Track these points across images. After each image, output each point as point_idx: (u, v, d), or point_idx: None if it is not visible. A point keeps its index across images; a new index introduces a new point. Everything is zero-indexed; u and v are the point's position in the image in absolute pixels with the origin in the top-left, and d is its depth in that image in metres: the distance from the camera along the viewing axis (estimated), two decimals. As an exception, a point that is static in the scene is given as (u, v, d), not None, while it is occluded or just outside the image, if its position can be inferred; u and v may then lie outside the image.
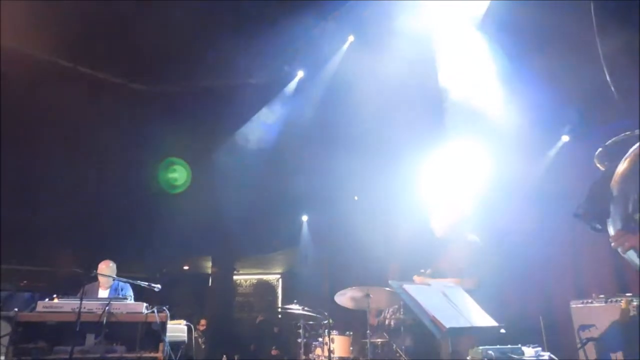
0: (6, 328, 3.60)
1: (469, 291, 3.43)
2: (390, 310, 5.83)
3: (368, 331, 4.79)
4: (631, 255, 1.77)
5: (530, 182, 6.42)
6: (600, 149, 2.30)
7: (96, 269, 5.13)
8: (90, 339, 3.76)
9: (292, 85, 7.59)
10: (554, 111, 6.22)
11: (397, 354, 5.11)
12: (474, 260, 3.57)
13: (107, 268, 5.19)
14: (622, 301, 4.56)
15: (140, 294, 4.87)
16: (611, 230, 1.86)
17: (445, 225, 3.86)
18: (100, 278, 5.12)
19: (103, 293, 5.12)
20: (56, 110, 6.91)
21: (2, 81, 6.17)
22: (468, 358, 2.86)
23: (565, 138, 6.33)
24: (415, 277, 3.65)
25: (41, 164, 7.84)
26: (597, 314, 4.69)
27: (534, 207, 6.11)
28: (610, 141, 2.27)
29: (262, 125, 8.11)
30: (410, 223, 7.32)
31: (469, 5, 5.58)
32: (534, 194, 6.26)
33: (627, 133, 2.16)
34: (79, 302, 3.72)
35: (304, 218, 10.61)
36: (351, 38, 6.67)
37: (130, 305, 4.01)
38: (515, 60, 5.51)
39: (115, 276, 5.16)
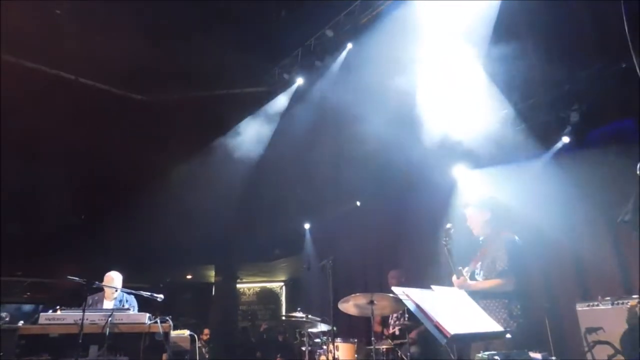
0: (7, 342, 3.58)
1: (507, 293, 3.39)
2: (394, 316, 5.80)
3: (373, 338, 4.75)
4: None
5: (531, 183, 6.41)
6: None
7: (102, 280, 5.12)
8: (93, 350, 3.73)
9: (291, 92, 7.61)
10: (554, 112, 6.22)
11: (403, 361, 5.07)
12: (511, 259, 3.47)
13: (112, 279, 5.17)
14: (629, 303, 4.53)
15: (144, 304, 4.85)
16: None
17: (478, 223, 3.77)
18: (105, 289, 5.11)
19: (108, 304, 5.10)
20: (56, 122, 6.93)
21: (2, 93, 6.20)
22: (474, 364, 2.83)
23: (565, 139, 6.32)
24: (454, 279, 3.53)
25: (42, 175, 7.85)
26: (604, 316, 4.66)
27: (535, 209, 6.08)
28: None
29: (262, 133, 8.12)
30: (415, 228, 7.31)
31: (470, 6, 5.60)
32: (535, 195, 6.23)
33: None
34: (81, 313, 3.71)
35: (306, 225, 10.58)
36: (349, 45, 6.69)
37: (133, 315, 3.99)
38: (513, 60, 5.51)
39: (118, 287, 5.13)
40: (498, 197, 3.90)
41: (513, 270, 3.42)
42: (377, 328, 5.85)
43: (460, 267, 3.53)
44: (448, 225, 3.60)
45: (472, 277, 3.58)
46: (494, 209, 3.77)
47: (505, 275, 3.41)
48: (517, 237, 3.62)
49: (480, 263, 3.63)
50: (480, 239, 3.78)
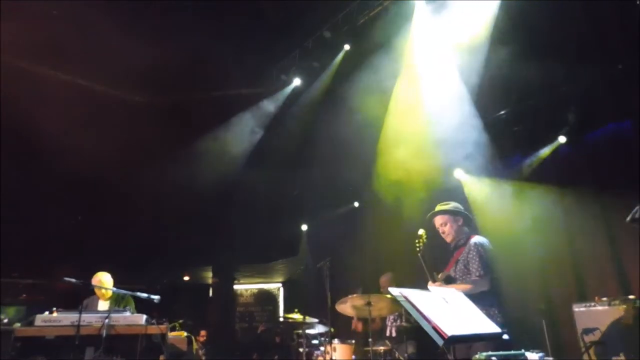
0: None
1: (484, 293, 3.43)
2: (392, 317, 5.80)
3: (370, 339, 4.75)
4: None
5: (526, 184, 6.43)
6: None
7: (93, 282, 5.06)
8: (90, 352, 3.72)
9: (289, 92, 7.61)
10: (552, 113, 6.24)
11: (400, 362, 5.07)
12: (482, 261, 3.54)
13: (100, 280, 5.10)
14: (625, 304, 4.55)
15: (141, 306, 4.82)
16: None
17: (452, 231, 3.82)
18: (98, 290, 5.06)
19: (104, 305, 5.06)
20: (55, 124, 6.91)
21: (2, 95, 6.18)
22: (471, 365, 2.83)
23: (562, 139, 6.34)
24: (430, 284, 3.60)
25: (38, 176, 7.83)
26: (600, 317, 4.67)
27: (531, 210, 6.11)
28: None
29: (260, 134, 8.12)
30: (406, 230, 7.32)
31: (469, 5, 5.60)
32: (531, 196, 6.26)
33: None
34: (78, 315, 3.69)
35: (304, 227, 10.58)
36: (347, 47, 6.70)
37: (130, 317, 3.97)
38: (510, 62, 5.53)
39: (112, 288, 5.08)
40: (459, 204, 3.97)
41: (486, 271, 3.53)
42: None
43: (434, 272, 3.62)
44: (420, 232, 3.70)
45: (448, 281, 3.64)
46: (463, 214, 3.86)
47: (479, 275, 3.50)
48: (486, 240, 3.71)
49: (453, 268, 3.71)
50: (452, 245, 3.85)
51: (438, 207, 3.94)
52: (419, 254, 3.63)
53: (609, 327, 4.54)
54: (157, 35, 5.99)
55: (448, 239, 3.87)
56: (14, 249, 8.67)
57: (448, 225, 3.84)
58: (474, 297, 3.40)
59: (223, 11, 6.26)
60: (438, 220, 3.91)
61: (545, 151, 6.51)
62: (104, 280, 5.09)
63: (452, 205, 3.92)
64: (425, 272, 3.62)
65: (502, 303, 3.49)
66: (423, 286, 3.03)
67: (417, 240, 3.71)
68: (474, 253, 3.60)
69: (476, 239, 3.72)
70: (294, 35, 6.81)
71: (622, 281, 5.47)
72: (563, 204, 6.15)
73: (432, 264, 3.75)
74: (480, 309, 3.35)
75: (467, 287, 3.47)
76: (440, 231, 3.90)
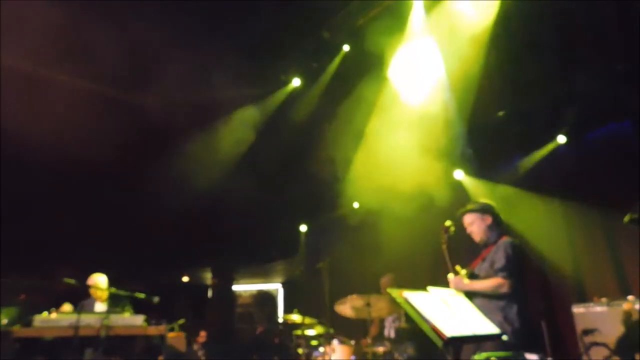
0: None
1: (503, 296, 3.38)
2: (390, 319, 5.80)
3: (369, 340, 4.75)
4: None
5: (526, 184, 6.43)
6: None
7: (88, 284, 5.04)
8: (88, 353, 3.72)
9: (287, 93, 7.60)
10: (551, 113, 6.24)
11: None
12: (509, 261, 3.48)
13: (96, 281, 5.08)
14: (624, 304, 4.55)
15: (140, 306, 4.80)
16: None
17: (480, 229, 3.76)
18: (94, 292, 5.03)
19: (100, 307, 5.04)
20: (53, 123, 6.89)
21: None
22: (470, 366, 2.83)
23: (562, 140, 6.34)
24: (450, 277, 3.53)
25: (39, 177, 7.81)
26: (600, 317, 4.68)
27: (530, 210, 6.11)
28: None
29: (258, 135, 8.10)
30: (409, 230, 7.32)
31: (468, 5, 5.60)
32: (530, 196, 6.26)
33: None
34: (76, 316, 3.69)
35: (303, 228, 10.57)
36: (346, 47, 6.70)
37: (129, 318, 3.97)
38: (511, 61, 5.52)
39: (111, 289, 5.06)
40: (489, 203, 3.89)
41: (510, 273, 3.42)
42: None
43: (458, 266, 3.54)
44: (447, 224, 3.63)
45: (471, 278, 3.57)
46: (493, 213, 3.79)
47: (502, 276, 3.40)
48: (516, 241, 3.63)
49: (478, 265, 3.64)
50: (482, 244, 3.78)
51: (468, 206, 3.88)
52: (445, 246, 3.57)
53: (608, 327, 4.54)
54: (151, 33, 5.96)
55: (476, 239, 3.78)
56: (14, 249, 8.66)
57: (475, 224, 3.76)
58: (495, 297, 3.37)
59: (222, 10, 6.24)
60: (466, 220, 3.83)
61: (544, 152, 6.52)
62: (98, 281, 5.07)
63: (481, 204, 3.86)
64: (448, 264, 3.56)
65: (523, 306, 3.41)
66: (424, 287, 3.00)
67: (443, 232, 3.63)
68: (502, 253, 3.51)
69: (507, 239, 3.64)
70: (293, 35, 6.80)
71: (622, 282, 5.48)
72: (562, 205, 6.15)
73: (458, 258, 3.67)
74: (498, 309, 3.33)
75: (487, 285, 3.40)
76: (468, 231, 3.82)
